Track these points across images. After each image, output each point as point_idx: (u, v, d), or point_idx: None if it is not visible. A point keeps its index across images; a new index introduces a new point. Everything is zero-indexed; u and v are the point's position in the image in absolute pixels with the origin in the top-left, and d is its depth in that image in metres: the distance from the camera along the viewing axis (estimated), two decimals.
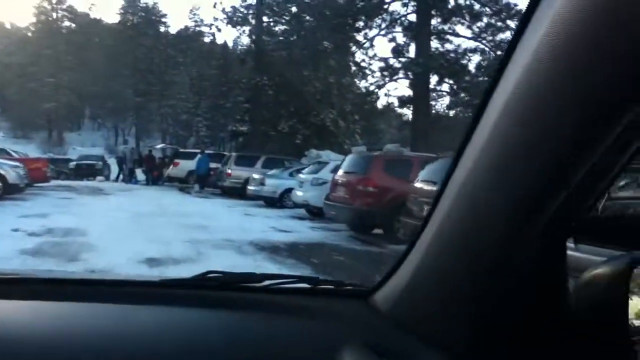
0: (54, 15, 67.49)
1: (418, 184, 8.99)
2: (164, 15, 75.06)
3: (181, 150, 28.00)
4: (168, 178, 24.75)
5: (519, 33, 0.69)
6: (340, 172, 11.42)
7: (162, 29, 74.40)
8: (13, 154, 19.43)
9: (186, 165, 23.33)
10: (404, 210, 9.45)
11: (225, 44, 79.28)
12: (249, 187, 17.27)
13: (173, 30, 78.64)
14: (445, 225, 0.85)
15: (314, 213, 14.39)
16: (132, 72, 67.93)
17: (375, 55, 26.29)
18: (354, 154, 11.67)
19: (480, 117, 0.77)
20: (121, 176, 27.35)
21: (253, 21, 27.85)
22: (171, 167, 24.42)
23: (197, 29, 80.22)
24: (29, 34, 69.13)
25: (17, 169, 14.79)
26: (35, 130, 66.72)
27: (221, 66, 70.67)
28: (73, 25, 71.56)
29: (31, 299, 1.07)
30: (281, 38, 29.59)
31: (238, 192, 19.50)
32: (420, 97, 23.21)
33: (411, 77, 23.68)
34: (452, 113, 28.52)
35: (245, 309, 1.09)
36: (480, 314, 0.82)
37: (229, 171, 19.54)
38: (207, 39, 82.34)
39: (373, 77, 25.91)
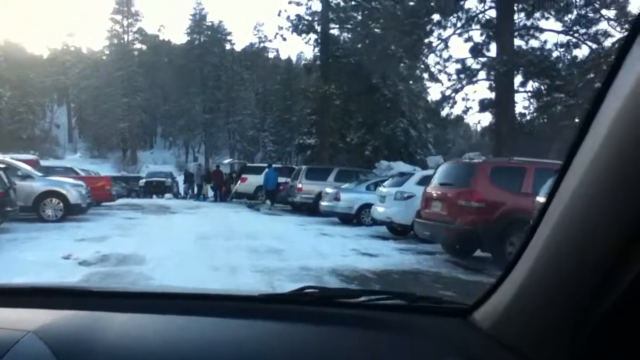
0: (126, 37, 69.11)
1: (540, 198, 7.02)
2: (229, 33, 75.33)
3: (249, 164, 26.78)
4: (236, 194, 23.55)
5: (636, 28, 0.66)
6: (434, 183, 9.57)
7: (227, 46, 74.90)
8: (80, 172, 18.71)
9: (254, 181, 22.01)
10: (517, 229, 7.57)
11: (289, 59, 79.11)
12: (322, 203, 15.65)
13: (238, 47, 79.38)
14: (552, 239, 0.80)
15: (398, 231, 12.59)
16: (200, 89, 68.51)
17: (450, 57, 24.08)
18: (449, 163, 9.77)
19: (592, 122, 0.73)
20: (190, 193, 26.46)
21: (319, 28, 26.39)
22: (239, 182, 23.20)
23: (262, 44, 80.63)
24: (103, 57, 70.99)
25: (79, 188, 13.83)
26: (110, 150, 68.18)
27: (285, 80, 70.35)
28: (144, 47, 73.13)
29: (143, 312, 1.11)
30: (348, 44, 28.01)
31: (310, 208, 17.96)
32: (504, 99, 20.90)
33: (493, 77, 21.42)
34: (534, 116, 25.92)
35: (342, 324, 1.08)
36: (583, 335, 0.76)
37: (300, 185, 18.02)
38: (271, 54, 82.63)
39: (450, 79, 23.71)
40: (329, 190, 15.65)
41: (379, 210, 12.56)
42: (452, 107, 25.16)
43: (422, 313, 1.16)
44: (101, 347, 0.95)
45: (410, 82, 33.24)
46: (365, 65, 27.23)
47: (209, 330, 1.07)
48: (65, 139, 76.43)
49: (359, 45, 27.48)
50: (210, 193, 24.86)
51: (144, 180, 30.48)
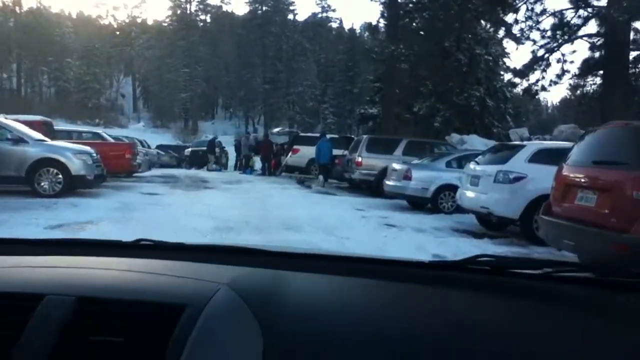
0: (188, 7, 66.60)
1: None
2: (292, 3, 71.61)
3: (302, 134, 23.03)
4: (286, 168, 20.08)
5: None
6: (579, 161, 5.68)
7: (290, 16, 71.28)
8: (108, 138, 15.72)
9: (307, 153, 18.32)
10: None
11: (352, 28, 74.71)
12: (387, 182, 11.87)
13: (301, 17, 75.66)
14: None
15: (493, 224, 8.79)
16: (260, 60, 65.48)
17: (544, 10, 19.46)
18: (611, 129, 5.74)
19: None
20: (238, 165, 23.29)
21: None
22: (290, 154, 19.68)
23: (325, 14, 76.42)
24: (166, 26, 68.92)
25: (84, 155, 10.68)
26: (173, 120, 66.52)
27: (348, 50, 66.04)
28: (205, 16, 70.59)
29: (318, 273, 1.11)
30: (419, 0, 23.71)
31: (371, 187, 14.26)
32: (617, 57, 16.28)
33: (602, 32, 16.81)
34: None
35: (520, 296, 1.01)
36: None
37: (359, 159, 14.26)
38: (334, 24, 78.35)
39: (544, 37, 19.15)
40: (396, 166, 11.85)
41: (469, 196, 8.71)
42: (544, 70, 20.64)
43: (614, 289, 1.05)
44: (286, 301, 0.96)
45: (490, 44, 28.65)
46: (439, 25, 22.97)
47: (382, 293, 1.04)
48: (130, 109, 75.60)
49: (431, 0, 23.17)
50: (259, 165, 21.49)
51: (189, 149, 27.55)
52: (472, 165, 9.04)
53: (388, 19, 22.97)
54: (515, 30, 20.54)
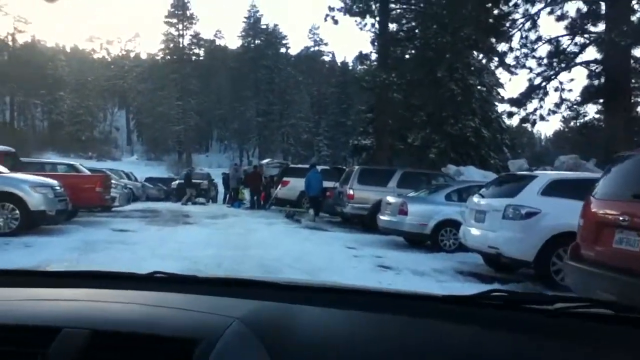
0: (181, 41, 66.33)
1: None
2: (284, 37, 71.68)
3: (292, 165, 21.92)
4: (276, 200, 18.93)
5: None
6: (614, 194, 4.60)
7: (282, 50, 71.16)
8: (84, 170, 14.59)
9: (298, 185, 17.13)
10: None
11: (345, 62, 74.51)
12: (381, 217, 10.75)
13: (293, 51, 75.50)
14: None
15: (502, 266, 7.66)
16: (253, 93, 65.04)
17: (539, 37, 18.73)
18: None
19: None
20: (228, 198, 22.14)
21: (376, 8, 21.49)
22: (279, 186, 18.56)
23: (317, 48, 76.40)
24: (158, 59, 68.55)
25: (45, 189, 9.54)
26: (167, 152, 65.69)
27: (341, 83, 65.60)
28: (199, 50, 70.39)
29: (331, 307, 1.10)
30: (411, 26, 23.05)
31: (364, 222, 13.14)
32: (618, 85, 15.42)
33: (601, 59, 16.02)
34: None
35: (534, 332, 0.99)
36: None
37: (351, 192, 13.17)
38: (326, 58, 78.25)
39: (540, 65, 18.36)
40: (390, 199, 10.75)
41: (475, 234, 7.60)
42: (542, 99, 19.81)
43: (629, 325, 1.02)
44: (298, 335, 0.96)
45: (484, 73, 27.99)
46: (430, 54, 22.25)
47: (394, 328, 1.03)
48: (124, 142, 74.78)
49: (423, 28, 22.51)
50: (249, 198, 20.33)
51: (176, 182, 26.39)
52: (476, 199, 7.96)
53: (379, 47, 22.21)
54: (510, 58, 19.81)
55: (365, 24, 22.65)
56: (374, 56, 24.43)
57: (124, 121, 75.95)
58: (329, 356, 0.90)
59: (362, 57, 22.44)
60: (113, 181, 14.97)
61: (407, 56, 23.80)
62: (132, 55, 78.52)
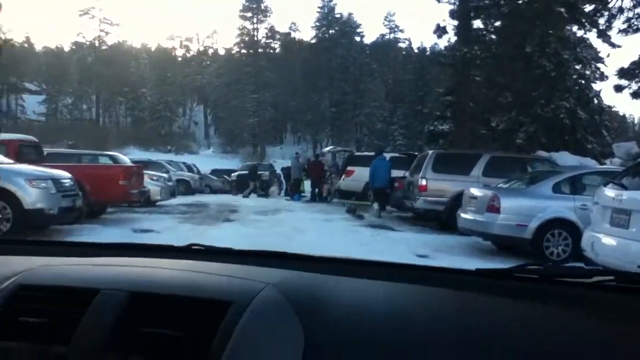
0: (255, 34, 65.28)
1: None
2: (359, 26, 68.83)
3: (357, 153, 19.29)
4: (339, 192, 16.53)
5: None
6: None
7: (357, 39, 68.42)
8: (126, 161, 12.89)
9: (364, 175, 14.61)
10: None
11: (422, 48, 70.57)
12: (463, 215, 8.02)
13: (368, 39, 72.56)
14: None
15: None
16: (327, 83, 62.88)
17: None
18: None
19: None
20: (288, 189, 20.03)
21: None
22: (343, 177, 16.13)
23: (393, 36, 72.93)
24: (234, 54, 67.97)
25: (43, 182, 7.69)
26: (242, 145, 65.17)
27: (417, 70, 61.88)
28: (273, 43, 69.17)
29: (362, 278, 1.08)
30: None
31: (440, 219, 10.42)
32: None
33: None
34: None
35: (570, 304, 0.97)
36: None
37: (423, 182, 10.39)
38: (402, 45, 74.62)
39: None
40: (475, 191, 7.99)
41: (610, 245, 4.83)
42: None
43: None
44: (330, 304, 0.95)
45: (580, 47, 24.10)
46: (520, 23, 18.96)
47: (429, 299, 1.00)
48: (202, 135, 75.17)
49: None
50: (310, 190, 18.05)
51: (236, 173, 24.61)
52: (611, 192, 5.13)
53: (459, 18, 19.11)
54: (620, 21, 16.24)
55: None
56: (453, 30, 21.36)
57: (202, 116, 76.29)
58: (360, 326, 0.89)
59: (440, 31, 19.41)
60: (153, 173, 13.20)
61: (491, 28, 20.53)
62: (210, 51, 78.72)
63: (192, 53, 78.97)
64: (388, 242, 8.42)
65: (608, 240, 4.93)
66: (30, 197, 7.52)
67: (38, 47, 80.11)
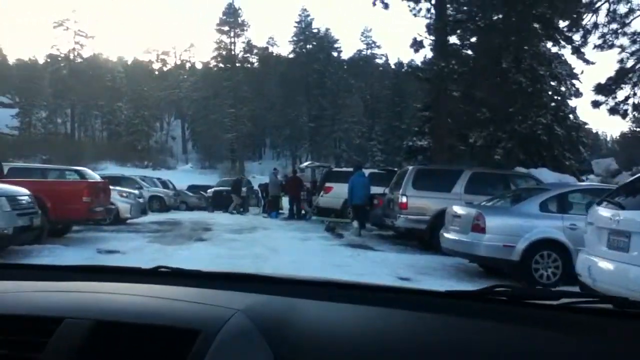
0: (232, 48, 64.89)
1: None
2: (336, 41, 69.04)
3: (335, 169, 18.85)
4: (318, 209, 16.07)
5: None
6: None
7: (334, 54, 68.52)
8: (95, 177, 12.23)
9: (342, 191, 14.13)
10: None
11: (399, 63, 70.94)
12: (446, 235, 7.64)
13: (345, 55, 72.74)
14: None
15: None
16: (305, 98, 62.74)
17: (632, 9, 15.13)
18: None
19: None
20: (265, 206, 19.46)
21: None
22: (321, 193, 15.69)
23: (370, 51, 73.25)
24: (211, 68, 67.42)
25: None
26: (220, 161, 64.37)
27: (395, 85, 62.16)
28: (251, 57, 68.80)
29: (332, 301, 1.08)
30: (472, 9, 19.72)
31: (421, 238, 10.03)
32: None
33: None
34: None
35: (538, 326, 0.96)
36: None
37: (404, 199, 9.99)
38: (379, 61, 74.97)
39: (636, 41, 14.79)
40: (458, 209, 7.62)
41: (607, 270, 4.46)
42: (636, 85, 16.11)
43: (633, 319, 1.01)
44: (300, 329, 0.94)
45: (555, 63, 24.23)
46: (496, 37, 18.90)
47: (398, 322, 1.00)
48: (180, 150, 74.16)
49: (485, 8, 19.17)
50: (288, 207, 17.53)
51: (212, 189, 23.98)
52: (604, 212, 4.77)
53: (435, 32, 18.94)
54: (595, 37, 16.25)
55: (420, 9, 19.52)
56: (429, 45, 21.21)
57: (180, 130, 75.35)
58: (331, 349, 0.88)
59: (416, 45, 19.19)
60: (122, 189, 12.56)
61: (467, 42, 20.47)
62: (187, 65, 78.08)
63: (169, 67, 78.38)
64: (368, 264, 7.97)
65: (605, 265, 4.55)
66: None
67: (11, 59, 78.70)
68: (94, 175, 12.74)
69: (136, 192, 13.21)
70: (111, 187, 12.22)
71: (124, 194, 12.37)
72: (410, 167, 10.86)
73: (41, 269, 1.43)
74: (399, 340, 0.92)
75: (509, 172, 12.16)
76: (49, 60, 66.99)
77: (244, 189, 20.72)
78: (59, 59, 64.98)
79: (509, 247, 6.66)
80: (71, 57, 65.04)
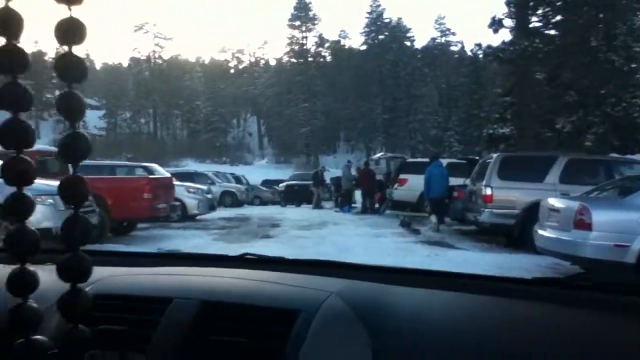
0: (304, 42, 64.75)
1: None
2: (409, 30, 66.99)
3: (410, 160, 17.73)
4: (392, 203, 15.12)
5: None
6: None
7: (407, 43, 66.62)
8: (164, 174, 12.03)
9: (418, 184, 13.12)
10: None
11: (475, 50, 67.92)
12: (540, 232, 6.53)
13: (419, 44, 70.67)
14: None
15: None
16: (379, 89, 61.47)
17: None
18: None
19: None
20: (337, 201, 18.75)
21: None
22: (395, 186, 14.74)
23: (444, 39, 70.65)
24: (285, 64, 67.68)
25: (49, 199, 6.75)
26: (295, 155, 64.62)
27: (472, 72, 59.52)
28: (322, 50, 68.37)
29: (421, 287, 1.08)
30: None
31: (510, 234, 8.88)
32: None
33: None
34: None
35: (624, 313, 0.97)
36: None
37: (488, 191, 8.81)
38: (455, 48, 72.15)
39: None
40: (555, 202, 6.49)
41: None
42: None
43: None
44: (394, 312, 0.96)
45: None
46: (584, 15, 17.07)
47: (488, 308, 1.01)
48: (256, 146, 75.23)
49: None
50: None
51: (284, 184, 23.53)
52: None
53: (516, 9, 17.34)
54: None
55: None
56: (510, 26, 19.56)
57: (256, 126, 76.44)
58: (424, 334, 0.89)
59: (495, 24, 17.58)
60: (191, 185, 12.26)
61: (552, 19, 18.70)
62: (261, 62, 78.94)
63: (244, 64, 79.59)
64: (448, 265, 7.01)
65: None
66: (34, 215, 6.61)
67: (98, 64, 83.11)
68: (162, 172, 12.52)
69: (204, 187, 12.90)
70: (179, 183, 11.97)
71: (192, 190, 12.07)
72: (495, 155, 9.65)
73: (144, 256, 1.49)
74: (493, 327, 0.91)
75: (611, 158, 10.62)
76: (131, 63, 70.06)
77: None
78: (141, 61, 67.68)
79: (621, 247, 5.48)
80: (152, 59, 67.60)
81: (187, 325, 0.92)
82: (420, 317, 0.95)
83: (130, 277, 1.14)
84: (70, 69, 0.54)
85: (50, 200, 6.75)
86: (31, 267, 0.58)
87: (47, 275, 0.70)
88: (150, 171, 11.93)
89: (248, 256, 1.34)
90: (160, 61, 68.93)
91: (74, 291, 0.59)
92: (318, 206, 18.51)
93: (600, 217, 5.67)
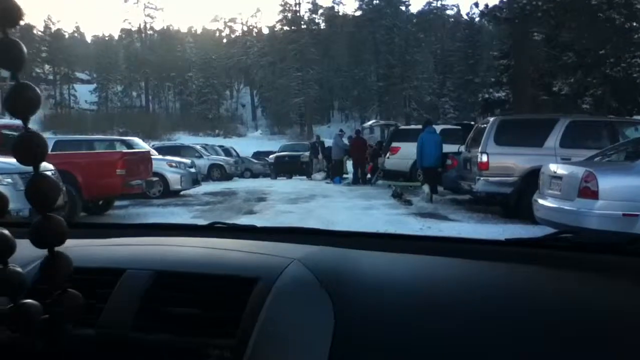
0: (297, 9, 63.14)
1: None
2: None
3: (402, 127, 17.04)
4: (384, 173, 14.53)
5: None
6: None
7: (402, 8, 65.02)
8: (144, 147, 11.39)
9: (411, 152, 12.52)
10: None
11: (471, 14, 66.39)
12: (540, 201, 5.98)
13: (414, 8, 69.09)
14: None
15: None
16: (373, 57, 60.17)
17: None
18: None
19: None
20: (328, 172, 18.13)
21: None
22: (387, 154, 14.11)
23: (440, 3, 69.00)
24: (278, 31, 66.16)
25: (7, 178, 6.16)
26: (289, 126, 63.68)
27: (467, 37, 58.28)
28: (315, 17, 66.76)
29: (385, 251, 1.07)
30: None
31: (507, 204, 8.32)
32: None
33: None
34: None
35: (602, 272, 0.94)
36: None
37: (484, 158, 8.16)
38: (450, 12, 70.56)
39: None
40: (557, 168, 5.91)
41: None
42: None
43: None
44: (357, 277, 0.94)
45: None
46: None
47: (457, 270, 0.98)
48: (249, 117, 74.16)
49: None
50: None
51: (274, 155, 22.85)
52: None
53: None
54: None
55: None
56: None
57: (249, 97, 75.24)
58: (388, 298, 0.88)
59: None
60: (172, 159, 11.64)
61: None
62: (254, 31, 77.22)
63: (236, 34, 77.89)
64: None
65: None
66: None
67: (88, 36, 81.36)
68: (143, 146, 11.89)
69: (187, 161, 12.26)
70: (159, 157, 11.35)
71: (173, 164, 11.44)
72: (492, 119, 9.00)
73: (100, 227, 1.54)
74: (460, 289, 0.89)
75: (615, 119, 9.98)
76: (122, 35, 68.42)
77: (306, 154, 19.43)
78: (132, 32, 66.10)
79: (630, 217, 4.93)
80: (143, 30, 65.99)
81: (139, 296, 0.89)
82: (385, 281, 0.92)
83: (82, 248, 1.08)
84: (5, 52, 0.51)
85: (9, 180, 6.16)
86: (4, 230, 0.56)
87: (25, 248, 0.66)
88: (129, 145, 11.29)
89: (217, 225, 1.30)
90: (151, 32, 67.35)
91: (52, 256, 0.57)
92: (323, 177, 17.83)
93: (607, 184, 5.10)
